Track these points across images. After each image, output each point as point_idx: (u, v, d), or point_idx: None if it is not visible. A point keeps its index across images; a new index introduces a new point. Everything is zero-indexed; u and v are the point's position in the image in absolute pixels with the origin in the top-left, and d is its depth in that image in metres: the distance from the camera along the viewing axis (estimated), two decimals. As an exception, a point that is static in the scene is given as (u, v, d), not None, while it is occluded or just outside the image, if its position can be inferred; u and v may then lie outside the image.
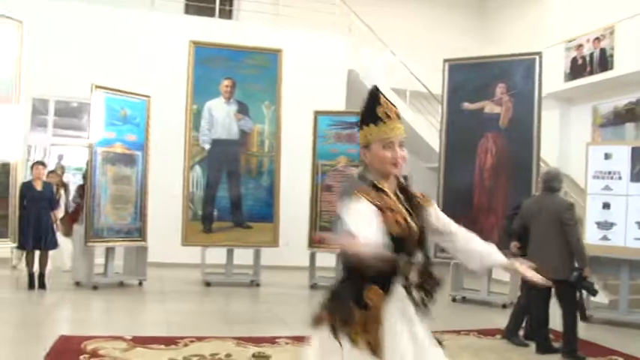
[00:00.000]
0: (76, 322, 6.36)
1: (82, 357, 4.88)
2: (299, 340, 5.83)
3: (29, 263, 8.03)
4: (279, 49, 9.32)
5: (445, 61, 9.20)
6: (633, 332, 7.16)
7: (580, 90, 11.67)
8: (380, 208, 2.16)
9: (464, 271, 8.77)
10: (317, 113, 9.45)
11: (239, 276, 9.24)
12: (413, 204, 2.35)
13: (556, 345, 5.75)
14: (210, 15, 12.39)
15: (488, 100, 8.76)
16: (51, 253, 8.52)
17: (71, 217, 9.12)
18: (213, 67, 9.10)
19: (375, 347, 2.12)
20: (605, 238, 7.72)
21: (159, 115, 9.10)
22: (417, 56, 12.37)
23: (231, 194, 9.05)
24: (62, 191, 9.44)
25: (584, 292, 5.76)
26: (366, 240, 1.92)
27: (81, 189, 8.69)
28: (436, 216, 2.44)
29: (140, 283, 8.64)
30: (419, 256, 2.28)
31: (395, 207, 2.24)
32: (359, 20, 12.37)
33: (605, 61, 10.88)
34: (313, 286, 9.18)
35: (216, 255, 9.05)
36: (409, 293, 2.25)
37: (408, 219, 2.25)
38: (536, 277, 2.45)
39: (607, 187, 7.81)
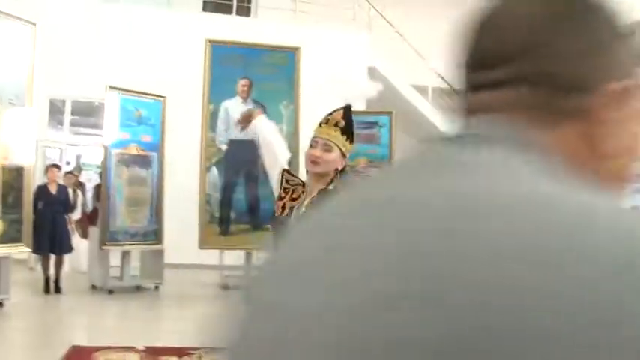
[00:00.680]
0: (90, 330, 6.26)
1: (92, 370, 4.76)
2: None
3: (45, 267, 7.95)
4: (297, 47, 9.10)
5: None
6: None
7: None
8: (284, 190, 2.58)
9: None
10: (335, 112, 9.22)
11: (257, 279, 9.07)
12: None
13: None
14: (228, 12, 12.23)
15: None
16: (69, 255, 8.49)
17: (88, 219, 9.05)
18: (229, 66, 8.92)
19: None
20: None
21: (174, 115, 8.95)
22: (440, 51, 12.07)
23: (249, 196, 8.87)
24: (79, 192, 9.36)
25: None
26: None
27: (98, 189, 8.61)
28: None
29: (156, 287, 8.52)
30: None
31: (297, 198, 2.53)
32: (379, 15, 12.10)
33: None
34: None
35: (234, 256, 8.88)
36: None
37: (294, 212, 2.49)
38: None
39: None
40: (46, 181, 8.12)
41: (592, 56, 0.49)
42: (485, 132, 0.49)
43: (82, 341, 5.53)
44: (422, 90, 11.89)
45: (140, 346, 5.38)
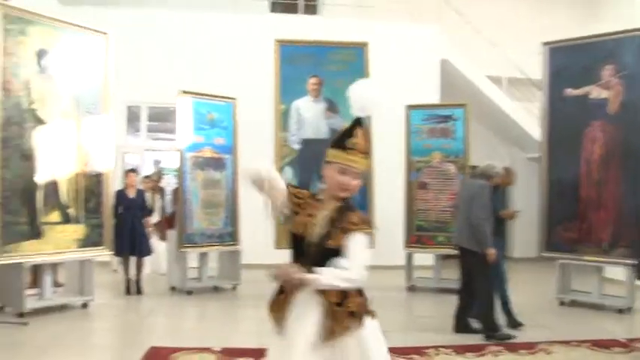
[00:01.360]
0: (168, 331, 6.35)
1: (169, 371, 4.80)
2: (392, 351, 5.52)
3: (126, 269, 8.18)
4: (365, 42, 8.97)
5: (545, 44, 8.50)
6: None
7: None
8: (299, 206, 2.58)
9: (572, 271, 8.13)
10: (409, 108, 9.05)
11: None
12: (341, 225, 2.51)
13: None
14: (295, 12, 12.24)
15: (594, 84, 8.00)
16: (149, 257, 8.71)
17: (167, 222, 9.25)
18: (299, 65, 8.88)
19: (277, 322, 2.69)
20: None
21: (246, 117, 9.01)
22: (514, 40, 11.66)
23: (323, 195, 8.80)
24: (158, 196, 9.58)
25: None
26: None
27: (176, 193, 8.80)
28: (346, 245, 2.51)
29: (234, 288, 8.60)
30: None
31: (313, 214, 2.54)
32: (449, 7, 11.79)
33: None
34: (411, 288, 8.82)
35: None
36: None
37: (315, 230, 2.52)
38: None
39: None
40: (124, 186, 8.34)
41: None
42: None
43: (161, 342, 5.61)
44: (495, 80, 11.49)
45: (217, 348, 5.41)
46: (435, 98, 10.81)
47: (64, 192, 7.03)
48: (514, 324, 6.48)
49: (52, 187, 6.92)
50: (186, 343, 5.60)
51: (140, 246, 8.16)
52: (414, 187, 8.92)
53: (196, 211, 8.37)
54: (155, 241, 9.16)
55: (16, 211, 6.48)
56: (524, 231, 10.97)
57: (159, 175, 10.44)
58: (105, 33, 7.59)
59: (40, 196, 6.75)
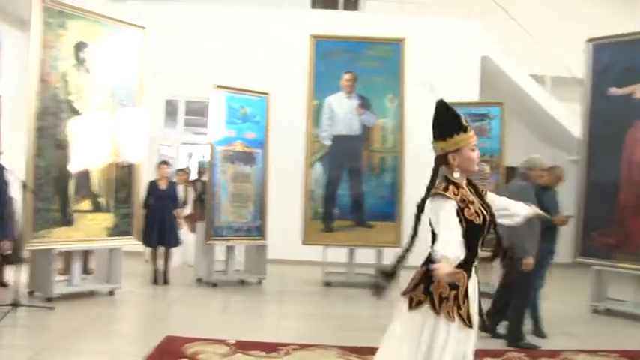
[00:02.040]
0: (188, 321, 6.35)
1: (180, 360, 4.81)
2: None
3: (154, 259, 8.28)
4: (402, 38, 8.83)
5: (588, 41, 8.19)
6: None
7: None
8: (463, 201, 2.69)
9: (608, 278, 7.81)
10: (444, 105, 8.84)
11: (360, 277, 8.90)
12: (480, 194, 2.86)
13: None
14: (337, 8, 12.18)
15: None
16: (179, 248, 8.80)
17: (198, 214, 9.33)
18: (333, 61, 8.84)
19: (469, 320, 2.67)
20: None
21: (279, 112, 8.99)
22: (558, 37, 11.29)
23: (353, 192, 8.75)
24: (191, 189, 9.66)
25: None
26: (452, 256, 2.50)
27: (194, 184, 8.90)
28: (492, 200, 2.96)
29: (259, 282, 8.60)
30: (491, 236, 2.84)
31: (472, 199, 2.74)
32: (492, 2, 11.50)
33: None
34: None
35: (338, 253, 8.79)
36: (476, 273, 2.80)
37: (483, 210, 2.76)
38: None
39: None
40: (157, 177, 8.43)
41: None
42: None
43: (179, 332, 5.62)
44: (539, 79, 11.16)
45: (231, 340, 5.40)
46: (474, 96, 10.58)
47: (95, 181, 7.17)
48: (539, 333, 6.23)
49: (84, 177, 7.07)
50: (204, 334, 5.60)
51: (169, 237, 8.24)
52: (447, 186, 8.71)
53: (225, 204, 8.40)
54: (186, 233, 9.23)
55: (48, 199, 6.66)
56: (560, 235, 10.59)
57: (189, 169, 10.52)
58: (143, 27, 7.69)
59: (72, 184, 6.91)
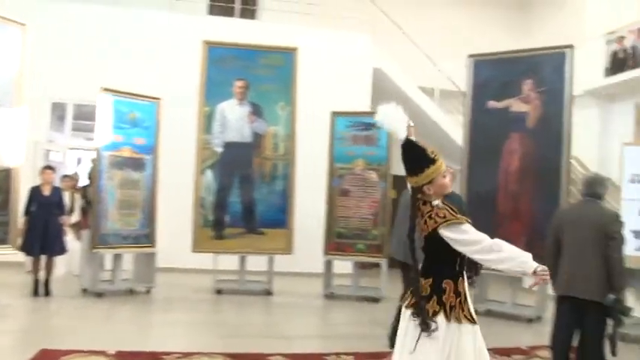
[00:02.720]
0: (69, 333, 6.09)
1: (53, 374, 4.62)
2: (292, 357, 5.46)
3: (35, 269, 7.88)
4: (295, 47, 8.93)
5: (469, 56, 8.63)
6: (671, 352, 6.50)
7: (621, 86, 10.86)
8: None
9: (490, 281, 8.24)
10: (334, 114, 9.03)
11: (252, 284, 8.91)
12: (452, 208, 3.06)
13: None
14: (234, 15, 12.15)
15: (515, 97, 8.16)
16: (64, 257, 8.44)
17: (85, 222, 8.99)
18: (226, 68, 8.79)
19: (472, 318, 2.99)
20: (642, 248, 7.06)
21: (170, 117, 8.85)
22: (449, 53, 11.81)
23: (244, 199, 8.73)
24: (78, 195, 9.30)
25: (614, 322, 5.04)
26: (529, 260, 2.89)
27: (84, 191, 8.59)
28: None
29: (148, 291, 8.40)
30: None
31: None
32: (386, 17, 11.88)
33: (648, 55, 10.10)
34: (329, 296, 8.78)
35: (229, 261, 8.73)
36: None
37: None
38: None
39: (645, 192, 7.15)
40: (40, 182, 8.06)
41: None
42: None
43: (57, 345, 5.39)
44: (429, 92, 11.62)
45: (111, 351, 5.25)
46: (365, 106, 10.84)
47: (-33, 187, 6.76)
48: None
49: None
50: (84, 345, 5.39)
51: (52, 245, 7.86)
52: (336, 193, 8.89)
53: (112, 211, 8.15)
54: (72, 241, 8.87)
55: None
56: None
57: (78, 175, 10.14)
58: (23, 24, 7.34)
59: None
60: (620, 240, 4.84)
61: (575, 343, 4.99)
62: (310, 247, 8.98)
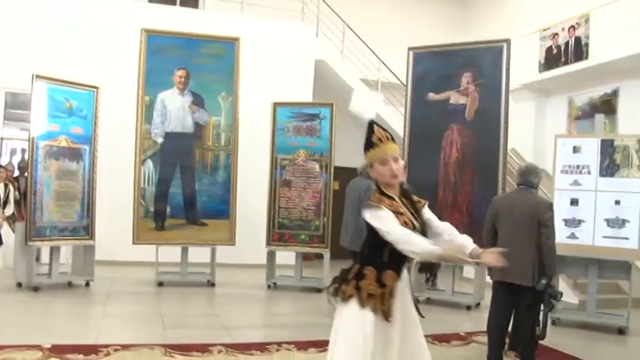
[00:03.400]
0: (1, 328, 5.91)
1: (-16, 370, 4.48)
2: (235, 347, 5.46)
3: (-34, 263, 7.63)
4: (237, 37, 8.86)
5: (410, 49, 8.76)
6: (601, 336, 6.80)
7: (555, 81, 11.23)
8: (393, 212, 2.80)
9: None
10: (276, 105, 9.00)
11: (194, 275, 8.83)
12: (414, 207, 2.97)
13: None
14: (175, 4, 11.95)
15: (454, 90, 8.33)
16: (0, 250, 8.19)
17: (20, 214, 8.71)
18: (166, 57, 8.65)
19: (386, 314, 2.82)
20: (572, 236, 7.33)
21: (109, 107, 8.66)
22: (391, 47, 11.93)
23: (185, 190, 8.63)
24: (11, 187, 8.99)
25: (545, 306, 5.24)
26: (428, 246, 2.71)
27: (16, 182, 8.32)
28: (428, 216, 3.04)
29: (87, 284, 8.22)
30: None
31: (402, 210, 2.85)
32: (329, 9, 11.91)
33: (580, 51, 10.45)
34: (271, 286, 8.78)
35: (171, 253, 8.63)
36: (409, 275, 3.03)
37: (413, 220, 2.87)
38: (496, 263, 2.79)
39: (576, 182, 7.43)
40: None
41: None
42: None
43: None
44: (372, 84, 11.72)
45: (47, 344, 5.12)
46: (308, 97, 10.87)
47: None
48: None
49: None
50: (16, 340, 5.23)
51: (-15, 237, 7.63)
52: (278, 184, 8.89)
53: (48, 202, 7.92)
54: (7, 234, 8.57)
55: None
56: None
57: (13, 166, 9.79)
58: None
59: None
60: (552, 227, 5.05)
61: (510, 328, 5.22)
62: (253, 238, 8.97)
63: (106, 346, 5.18)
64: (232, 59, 8.83)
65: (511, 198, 5.34)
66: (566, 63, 10.74)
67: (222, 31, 9.16)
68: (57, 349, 5.03)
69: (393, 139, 2.92)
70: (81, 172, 8.28)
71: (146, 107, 8.55)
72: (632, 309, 7.08)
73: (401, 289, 2.90)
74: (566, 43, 10.74)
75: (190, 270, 8.81)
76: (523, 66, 11.09)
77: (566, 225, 7.35)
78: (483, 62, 8.23)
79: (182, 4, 12.02)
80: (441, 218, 3.09)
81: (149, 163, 8.53)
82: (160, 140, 8.58)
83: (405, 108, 8.78)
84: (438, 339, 6.07)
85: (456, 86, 8.33)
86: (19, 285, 7.90)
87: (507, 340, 5.35)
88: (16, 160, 10.44)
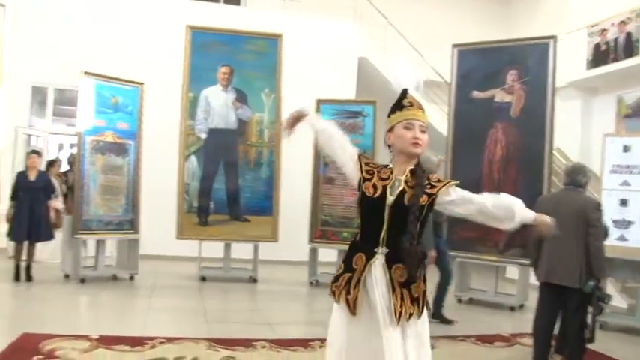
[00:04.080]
0: (50, 318, 6.05)
1: (35, 357, 4.57)
2: (277, 343, 5.48)
3: (17, 254, 7.82)
4: (279, 34, 8.89)
5: (454, 46, 8.64)
6: (650, 341, 6.62)
7: (603, 78, 10.97)
8: (371, 173, 2.58)
9: (471, 270, 8.31)
10: (319, 102, 9.00)
11: (236, 271, 8.90)
12: (421, 186, 2.53)
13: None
14: (218, 1, 12.06)
15: (499, 87, 8.20)
16: (50, 244, 8.36)
17: (68, 207, 8.90)
18: (210, 53, 8.73)
19: (352, 305, 2.50)
20: (622, 237, 7.15)
21: (154, 102, 8.77)
22: (434, 44, 11.84)
23: (229, 186, 8.69)
24: (60, 181, 9.20)
25: (593, 309, 5.11)
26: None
27: (64, 176, 8.50)
28: (455, 196, 2.63)
29: (132, 277, 8.35)
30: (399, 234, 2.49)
31: (387, 179, 2.55)
32: (372, 7, 11.86)
33: (630, 47, 10.18)
34: (313, 283, 8.80)
35: (213, 248, 8.72)
36: (389, 266, 2.51)
37: (388, 191, 2.52)
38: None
39: (625, 183, 7.24)
40: (26, 167, 7.99)
41: None
42: None
43: (40, 329, 5.35)
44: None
45: (94, 335, 5.22)
46: (351, 94, 10.84)
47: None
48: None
49: None
50: (66, 330, 5.35)
51: (38, 230, 7.79)
52: (321, 181, 8.89)
53: (94, 196, 8.07)
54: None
55: None
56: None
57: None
58: (3, 5, 7.24)
59: None
60: (600, 228, 4.93)
61: (557, 330, 5.11)
62: (295, 235, 8.98)
63: (152, 338, 5.25)
64: (275, 56, 8.86)
65: (557, 197, 5.22)
66: (615, 60, 10.48)
67: (265, 28, 9.20)
68: (104, 340, 5.13)
69: (423, 109, 2.65)
70: (126, 167, 8.42)
71: (190, 103, 8.64)
72: (684, 313, 6.88)
73: (376, 280, 2.50)
74: (616, 39, 10.48)
75: (232, 266, 8.88)
76: (569, 63, 10.86)
77: (615, 226, 7.16)
78: (529, 59, 8.07)
79: (226, 1, 12.12)
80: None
81: (193, 159, 8.62)
82: (203, 136, 8.66)
83: (449, 106, 8.67)
84: (480, 339, 6.00)
85: (501, 84, 8.19)
86: (67, 276, 8.08)
87: (553, 343, 5.24)
88: (64, 155, 10.68)
